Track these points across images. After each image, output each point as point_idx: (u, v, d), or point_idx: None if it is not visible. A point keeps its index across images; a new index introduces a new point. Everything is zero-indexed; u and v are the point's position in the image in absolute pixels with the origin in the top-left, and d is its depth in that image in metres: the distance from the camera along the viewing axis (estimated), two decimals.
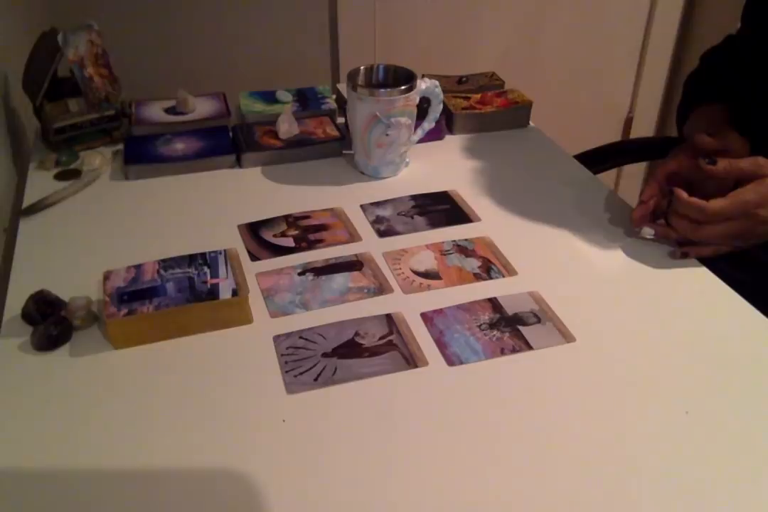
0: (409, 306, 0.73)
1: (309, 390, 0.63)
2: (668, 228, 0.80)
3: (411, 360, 0.67)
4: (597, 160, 1.15)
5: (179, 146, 1.00)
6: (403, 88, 0.90)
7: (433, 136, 1.05)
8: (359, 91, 0.91)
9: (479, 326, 0.71)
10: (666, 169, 0.82)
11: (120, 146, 1.02)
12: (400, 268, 0.79)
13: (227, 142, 1.02)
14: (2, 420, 0.61)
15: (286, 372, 0.65)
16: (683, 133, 0.95)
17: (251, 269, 0.79)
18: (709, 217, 0.74)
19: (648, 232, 0.84)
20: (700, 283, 0.77)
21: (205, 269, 0.73)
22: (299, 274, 0.78)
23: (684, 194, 0.76)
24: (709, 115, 0.91)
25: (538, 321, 0.71)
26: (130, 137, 1.03)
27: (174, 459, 0.57)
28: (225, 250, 0.76)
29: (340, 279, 0.77)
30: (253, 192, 0.94)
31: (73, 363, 0.67)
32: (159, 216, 0.89)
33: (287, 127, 1.01)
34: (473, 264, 0.80)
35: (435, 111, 0.97)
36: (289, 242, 0.84)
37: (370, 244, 0.84)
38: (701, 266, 0.80)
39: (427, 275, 0.78)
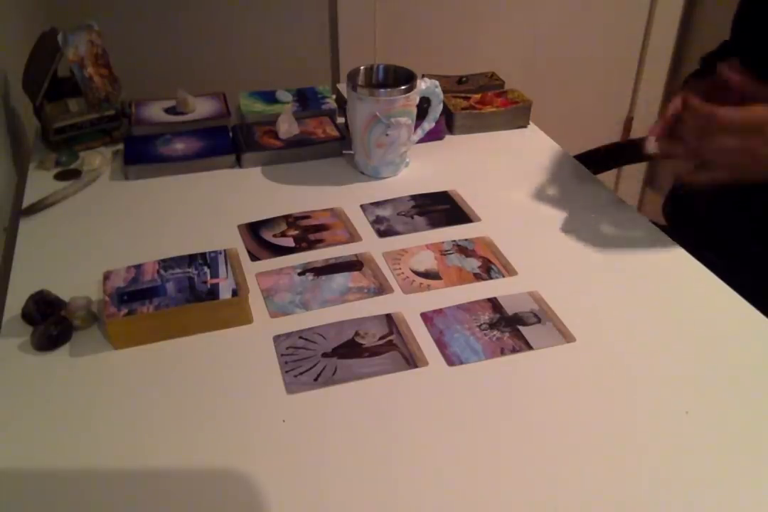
0: (409, 306, 0.73)
1: (309, 390, 0.63)
2: (673, 143, 0.77)
3: (411, 360, 0.67)
4: (597, 160, 1.15)
5: (179, 146, 1.00)
6: (403, 88, 0.90)
7: (433, 136, 1.05)
8: (359, 91, 0.91)
9: (479, 326, 0.71)
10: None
11: (120, 146, 1.02)
12: (400, 268, 0.79)
13: (227, 142, 1.02)
14: (2, 420, 0.61)
15: (286, 372, 0.65)
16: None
17: (251, 269, 0.79)
18: (719, 124, 0.72)
19: (653, 145, 0.81)
20: (700, 283, 0.77)
21: (205, 269, 0.73)
22: (299, 274, 0.78)
23: (696, 100, 0.74)
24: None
25: (538, 321, 0.71)
26: (130, 137, 1.03)
27: (174, 459, 0.57)
28: (225, 250, 0.76)
29: (340, 279, 0.77)
30: (253, 192, 0.94)
31: (73, 363, 0.67)
32: (159, 216, 0.89)
33: (287, 127, 1.01)
34: (473, 264, 0.80)
35: (435, 111, 0.97)
36: (289, 242, 0.84)
37: (370, 244, 0.84)
38: (702, 266, 0.79)
39: (427, 275, 0.78)
